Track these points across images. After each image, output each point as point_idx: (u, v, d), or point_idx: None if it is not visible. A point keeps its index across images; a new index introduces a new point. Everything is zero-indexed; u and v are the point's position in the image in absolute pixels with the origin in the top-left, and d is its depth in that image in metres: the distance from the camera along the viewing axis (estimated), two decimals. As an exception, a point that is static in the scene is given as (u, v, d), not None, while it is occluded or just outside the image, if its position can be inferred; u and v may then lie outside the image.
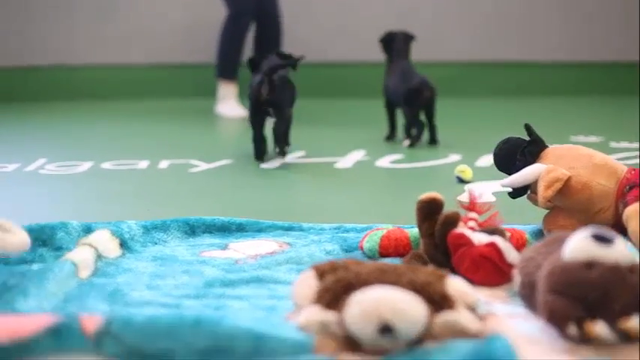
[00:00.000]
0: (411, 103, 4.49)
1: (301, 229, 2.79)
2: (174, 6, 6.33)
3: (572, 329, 1.80)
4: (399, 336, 1.74)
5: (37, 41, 6.25)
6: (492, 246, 2.24)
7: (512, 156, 2.70)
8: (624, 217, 2.47)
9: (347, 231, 2.75)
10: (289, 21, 6.01)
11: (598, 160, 2.63)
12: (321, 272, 1.97)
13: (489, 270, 2.23)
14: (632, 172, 2.59)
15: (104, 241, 2.54)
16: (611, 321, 1.79)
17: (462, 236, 2.28)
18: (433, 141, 4.54)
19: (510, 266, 2.19)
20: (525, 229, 2.62)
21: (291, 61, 3.96)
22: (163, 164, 4.06)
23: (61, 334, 1.75)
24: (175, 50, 6.37)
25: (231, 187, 3.65)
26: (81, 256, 2.40)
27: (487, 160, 3.98)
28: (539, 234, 2.64)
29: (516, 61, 6.55)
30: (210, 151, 4.38)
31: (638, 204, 2.46)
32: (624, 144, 4.47)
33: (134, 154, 4.27)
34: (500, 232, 2.30)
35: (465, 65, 6.50)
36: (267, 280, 2.31)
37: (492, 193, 3.27)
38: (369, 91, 5.98)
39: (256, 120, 4.00)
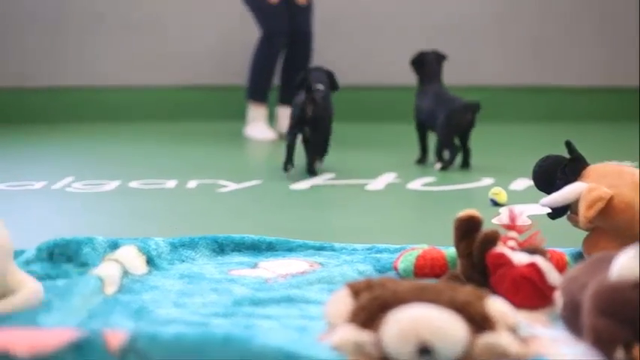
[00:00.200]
0: (449, 126, 4.42)
1: (333, 249, 2.76)
2: (206, 28, 6.32)
3: (620, 354, 1.74)
4: (438, 357, 1.69)
5: (72, 63, 6.25)
6: (533, 266, 2.19)
7: (552, 174, 2.65)
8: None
9: (380, 251, 2.70)
10: (319, 45, 5.97)
11: (642, 178, 2.56)
12: (356, 290, 1.90)
13: (530, 291, 2.18)
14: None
15: (130, 257, 2.51)
16: (662, 345, 1.72)
17: (502, 256, 2.22)
18: (466, 164, 4.47)
19: (552, 288, 2.14)
20: (564, 251, 2.55)
21: (335, 86, 4.36)
22: (192, 184, 4.02)
23: (84, 350, 1.72)
24: (205, 72, 6.36)
25: (260, 207, 3.62)
26: (107, 271, 2.37)
27: (521, 183, 3.94)
28: (578, 257, 2.57)
29: (549, 85, 6.49)
30: (239, 171, 4.34)
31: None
32: (661, 170, 4.38)
33: (162, 174, 4.23)
34: (541, 252, 2.25)
35: (496, 89, 6.44)
36: (298, 299, 2.27)
37: (528, 216, 3.20)
38: (397, 115, 5.93)
39: (294, 132, 4.17)
